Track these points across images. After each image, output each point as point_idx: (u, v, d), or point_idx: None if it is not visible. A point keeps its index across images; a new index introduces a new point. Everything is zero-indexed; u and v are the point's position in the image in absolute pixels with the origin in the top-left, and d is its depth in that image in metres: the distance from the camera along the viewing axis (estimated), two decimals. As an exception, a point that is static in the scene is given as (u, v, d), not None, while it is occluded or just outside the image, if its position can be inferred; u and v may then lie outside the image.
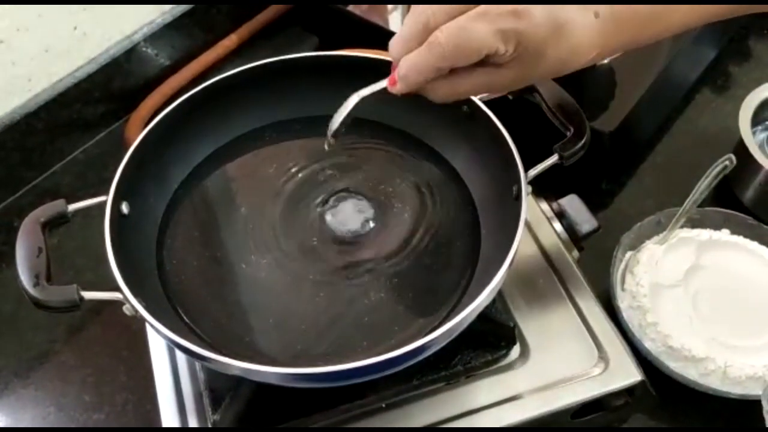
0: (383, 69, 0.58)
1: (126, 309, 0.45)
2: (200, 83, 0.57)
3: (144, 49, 0.81)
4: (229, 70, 0.58)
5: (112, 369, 0.64)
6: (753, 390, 0.57)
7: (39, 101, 0.75)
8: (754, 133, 0.71)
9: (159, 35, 0.82)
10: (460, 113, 0.56)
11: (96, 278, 0.67)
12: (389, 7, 0.86)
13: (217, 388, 0.52)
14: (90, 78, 0.77)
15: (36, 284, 0.44)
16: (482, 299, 0.45)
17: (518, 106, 0.56)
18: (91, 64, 0.78)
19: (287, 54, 0.60)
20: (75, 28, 0.75)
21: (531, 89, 0.54)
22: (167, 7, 0.82)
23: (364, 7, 0.85)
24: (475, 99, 0.54)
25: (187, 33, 0.85)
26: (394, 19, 0.85)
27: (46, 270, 0.45)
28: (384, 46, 0.74)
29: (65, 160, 0.80)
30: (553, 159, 0.50)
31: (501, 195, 0.52)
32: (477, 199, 0.56)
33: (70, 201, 0.50)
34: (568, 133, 0.51)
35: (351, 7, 0.84)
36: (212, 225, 0.55)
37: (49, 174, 0.79)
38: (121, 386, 0.63)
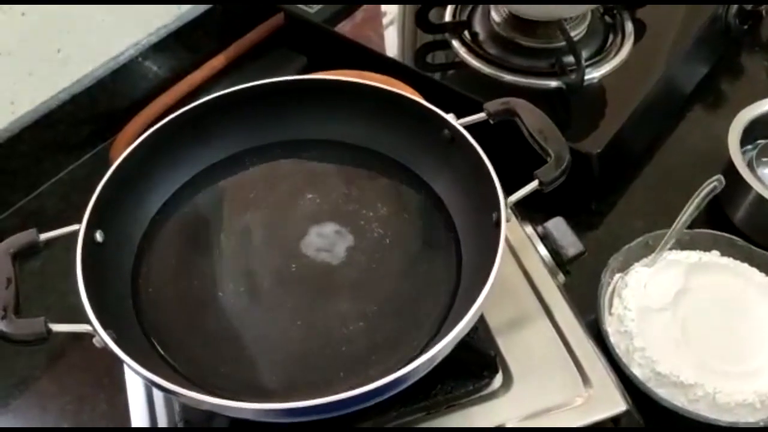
0: (365, 93, 0.58)
1: (96, 341, 0.44)
2: (187, 104, 0.57)
3: (130, 69, 0.81)
4: (216, 91, 0.58)
5: (93, 397, 0.63)
6: (743, 417, 0.56)
7: (23, 123, 0.74)
8: (744, 152, 0.70)
9: (145, 56, 0.82)
10: (442, 138, 0.55)
11: (79, 304, 0.66)
12: (384, 21, 0.85)
13: (192, 420, 0.51)
14: (74, 100, 0.77)
15: (3, 317, 0.43)
16: (461, 327, 0.44)
17: (502, 130, 0.55)
18: (75, 85, 0.77)
19: (275, 74, 0.59)
20: (58, 51, 0.74)
21: (512, 113, 0.53)
22: (153, 27, 0.82)
23: (358, 21, 0.84)
24: (456, 124, 0.54)
25: (174, 54, 0.84)
26: (390, 33, 0.84)
27: (15, 302, 0.44)
28: (371, 67, 0.75)
29: (50, 181, 0.79)
30: (533, 185, 0.49)
31: (482, 221, 0.51)
32: (458, 224, 0.55)
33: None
34: (549, 159, 0.50)
35: (340, 27, 0.83)
36: (189, 253, 0.54)
37: (35, 196, 0.78)
38: (101, 414, 0.62)
